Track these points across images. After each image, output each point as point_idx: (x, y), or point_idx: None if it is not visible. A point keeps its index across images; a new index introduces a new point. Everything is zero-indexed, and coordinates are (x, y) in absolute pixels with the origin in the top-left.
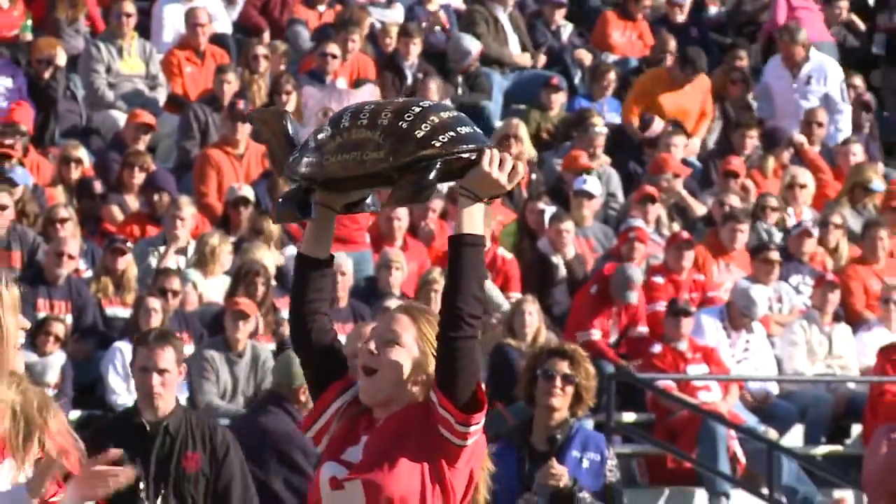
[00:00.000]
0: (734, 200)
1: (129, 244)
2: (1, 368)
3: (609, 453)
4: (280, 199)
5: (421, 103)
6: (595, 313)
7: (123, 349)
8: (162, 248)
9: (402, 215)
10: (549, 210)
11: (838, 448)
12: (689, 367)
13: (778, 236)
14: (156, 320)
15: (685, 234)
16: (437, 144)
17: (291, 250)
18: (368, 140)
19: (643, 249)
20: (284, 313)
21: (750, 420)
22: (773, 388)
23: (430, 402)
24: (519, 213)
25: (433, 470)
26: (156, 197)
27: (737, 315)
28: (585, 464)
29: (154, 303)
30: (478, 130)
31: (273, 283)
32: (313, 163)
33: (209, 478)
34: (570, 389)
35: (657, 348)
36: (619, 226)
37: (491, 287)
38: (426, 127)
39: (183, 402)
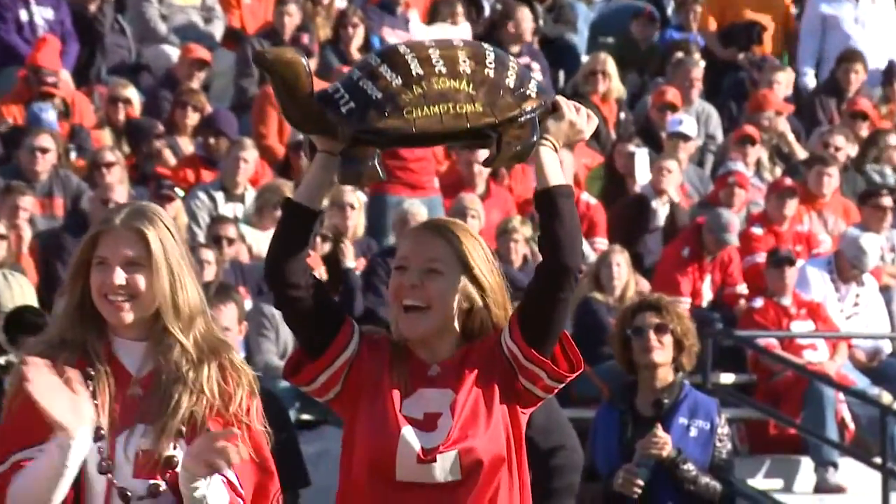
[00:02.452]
0: (839, 141)
1: (177, 190)
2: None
3: (720, 421)
4: (344, 159)
5: (483, 45)
6: (686, 275)
7: None
8: (219, 194)
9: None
10: (640, 152)
11: None
12: (793, 324)
13: (892, 179)
14: (210, 273)
15: (788, 181)
16: (532, 95)
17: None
18: (457, 91)
19: (743, 195)
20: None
21: (860, 382)
22: (886, 347)
23: (503, 348)
24: (606, 155)
25: (514, 423)
26: (212, 139)
27: (846, 267)
28: (693, 432)
29: (207, 254)
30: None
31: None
32: (393, 116)
33: None
34: (667, 340)
35: (758, 303)
36: (717, 170)
37: None
38: (511, 75)
39: None
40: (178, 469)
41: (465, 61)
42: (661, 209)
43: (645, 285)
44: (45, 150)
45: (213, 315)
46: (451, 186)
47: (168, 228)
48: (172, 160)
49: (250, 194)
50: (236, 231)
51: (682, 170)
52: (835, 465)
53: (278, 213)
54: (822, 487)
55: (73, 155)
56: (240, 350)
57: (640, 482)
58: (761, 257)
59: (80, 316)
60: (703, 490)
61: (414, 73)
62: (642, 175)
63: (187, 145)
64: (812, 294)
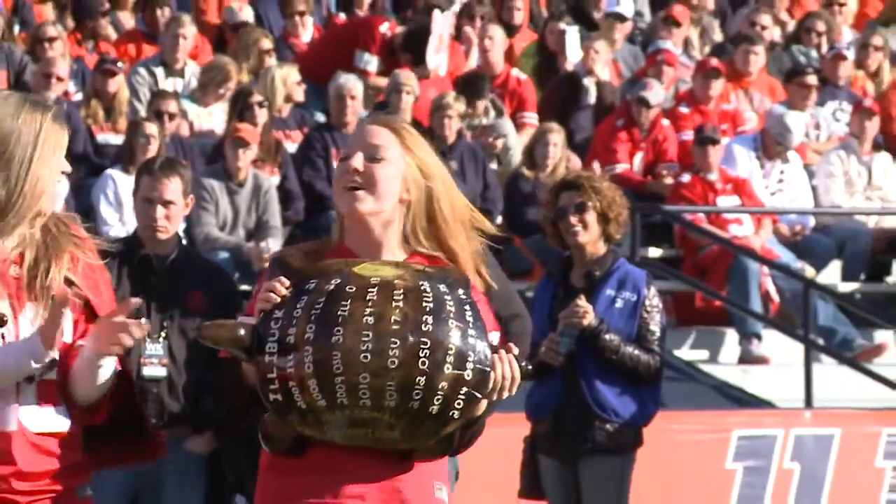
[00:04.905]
0: (765, 20)
1: (120, 64)
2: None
3: (647, 293)
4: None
5: (423, 355)
6: (621, 145)
7: (116, 177)
8: (159, 70)
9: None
10: (571, 30)
11: (878, 286)
12: (719, 199)
13: (816, 60)
14: (153, 148)
15: (714, 62)
16: (456, 416)
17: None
18: (378, 421)
19: (671, 73)
20: (289, 146)
21: (784, 256)
22: (810, 222)
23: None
24: (539, 33)
25: None
26: (157, 13)
27: (771, 143)
28: (619, 303)
29: (150, 128)
30: (478, 323)
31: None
32: (312, 426)
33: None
34: (590, 218)
35: (685, 178)
36: (647, 48)
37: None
38: (439, 400)
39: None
40: (84, 347)
41: (391, 396)
42: (591, 87)
43: (577, 161)
44: None
45: (157, 187)
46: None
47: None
48: (114, 35)
49: (190, 69)
50: (177, 106)
51: (614, 49)
52: (759, 337)
53: (221, 90)
54: (747, 358)
55: (16, 29)
56: (181, 223)
57: (563, 350)
58: (688, 135)
59: None
60: (627, 360)
61: (339, 401)
62: (573, 53)
63: (128, 20)
64: (738, 170)
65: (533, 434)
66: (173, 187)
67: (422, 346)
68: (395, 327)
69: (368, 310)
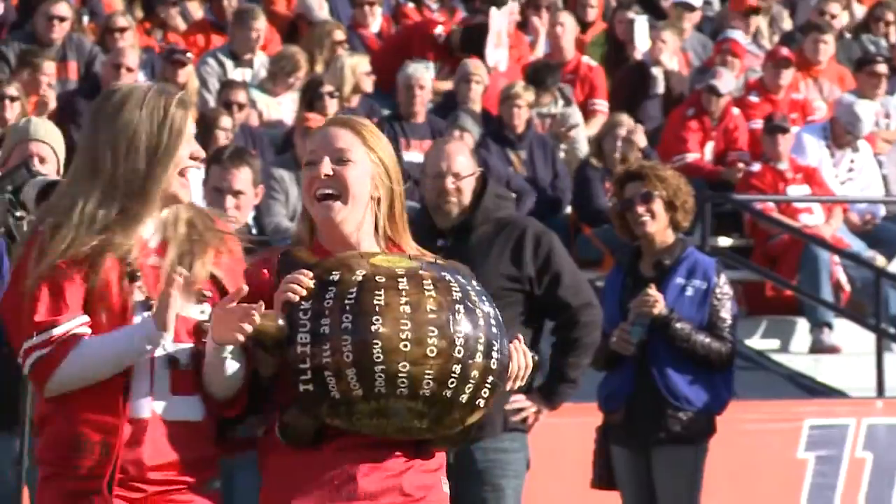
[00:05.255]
0: (835, 9)
1: (189, 55)
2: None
3: (718, 280)
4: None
5: (458, 343)
6: (691, 135)
7: None
8: (228, 60)
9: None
10: (639, 20)
11: None
12: (789, 188)
13: (885, 49)
14: (222, 137)
15: (784, 51)
16: (481, 404)
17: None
18: (409, 410)
19: (738, 64)
20: None
21: (855, 245)
22: (880, 211)
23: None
24: (607, 22)
25: None
26: (224, 3)
27: (840, 132)
28: (689, 292)
29: (223, 119)
30: (498, 313)
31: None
32: (343, 416)
33: None
34: (657, 207)
35: (756, 167)
36: (716, 37)
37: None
38: (469, 388)
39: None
40: (208, 336)
41: (428, 385)
42: (660, 76)
43: (640, 141)
44: (62, 19)
45: (226, 177)
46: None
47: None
48: (183, 25)
49: (259, 59)
50: (246, 96)
51: (683, 38)
52: (830, 326)
53: (291, 79)
54: (818, 348)
55: (85, 20)
56: (251, 212)
57: (634, 340)
58: (758, 124)
59: None
60: (698, 348)
61: (377, 389)
62: (642, 42)
63: (197, 10)
64: (808, 159)
65: (605, 424)
66: (243, 177)
67: (457, 335)
68: (431, 316)
69: (403, 299)
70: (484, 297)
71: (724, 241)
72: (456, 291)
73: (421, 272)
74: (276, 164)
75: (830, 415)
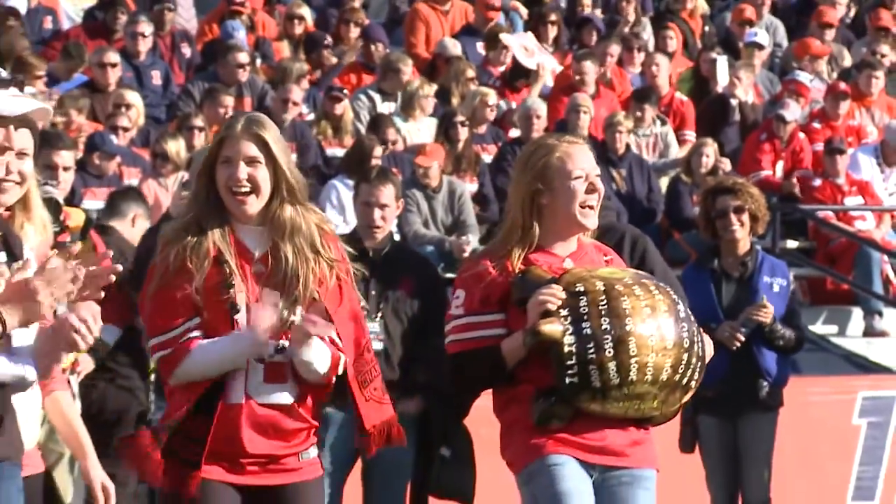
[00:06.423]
0: (884, 49)
1: (345, 91)
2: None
3: (791, 278)
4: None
5: (685, 335)
6: (764, 156)
7: (338, 185)
8: (376, 95)
9: (588, 70)
10: (721, 59)
11: None
12: (846, 199)
13: None
14: (373, 162)
15: (842, 85)
16: (693, 386)
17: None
18: (649, 393)
19: (801, 100)
20: (485, 157)
21: None
22: None
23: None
24: (694, 61)
25: None
26: (372, 48)
27: (889, 152)
28: (776, 289)
29: (375, 150)
30: (688, 312)
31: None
32: (596, 402)
33: (420, 301)
34: (745, 218)
35: (817, 182)
36: (784, 74)
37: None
38: (689, 372)
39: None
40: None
41: (666, 371)
42: (737, 107)
43: (727, 165)
44: (242, 66)
45: (374, 193)
46: (568, 87)
47: (275, 130)
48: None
49: (400, 94)
50: (395, 132)
51: (755, 74)
52: (880, 314)
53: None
54: (870, 332)
55: (258, 62)
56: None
57: (742, 338)
58: (819, 146)
59: (208, 206)
60: (788, 341)
61: (630, 378)
62: (723, 78)
63: (351, 56)
64: (862, 175)
65: (694, 397)
66: (388, 192)
67: (683, 328)
68: (666, 315)
69: (643, 303)
70: (678, 295)
71: (792, 244)
72: (671, 293)
73: (644, 280)
74: (408, 184)
75: (880, 388)
